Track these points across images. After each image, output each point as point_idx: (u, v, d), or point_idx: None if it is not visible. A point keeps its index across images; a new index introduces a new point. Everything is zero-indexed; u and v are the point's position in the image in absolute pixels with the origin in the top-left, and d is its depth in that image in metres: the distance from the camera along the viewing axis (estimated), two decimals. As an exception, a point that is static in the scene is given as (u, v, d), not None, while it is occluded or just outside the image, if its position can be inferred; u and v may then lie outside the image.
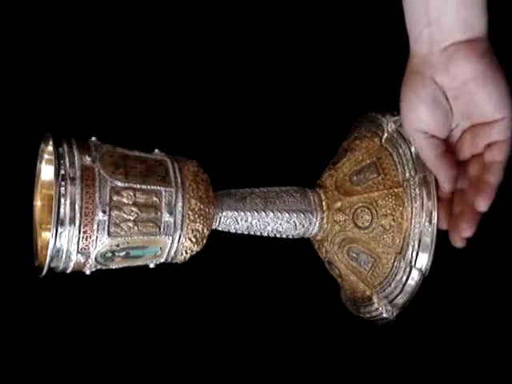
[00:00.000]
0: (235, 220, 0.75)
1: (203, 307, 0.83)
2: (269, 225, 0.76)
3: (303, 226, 0.77)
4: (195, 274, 0.81)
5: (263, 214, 0.75)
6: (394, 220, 0.73)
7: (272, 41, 0.87)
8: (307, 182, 0.80)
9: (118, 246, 0.68)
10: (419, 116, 0.65)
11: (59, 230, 0.66)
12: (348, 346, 0.82)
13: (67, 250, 0.67)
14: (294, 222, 0.76)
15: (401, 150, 0.74)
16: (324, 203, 0.77)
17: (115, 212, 0.67)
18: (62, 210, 0.66)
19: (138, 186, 0.68)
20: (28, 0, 0.85)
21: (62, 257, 0.67)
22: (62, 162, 0.67)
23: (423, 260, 0.72)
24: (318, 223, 0.77)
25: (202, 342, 0.81)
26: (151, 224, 0.69)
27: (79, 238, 0.66)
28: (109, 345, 0.80)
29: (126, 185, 0.68)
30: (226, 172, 0.81)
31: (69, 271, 0.69)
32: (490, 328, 0.82)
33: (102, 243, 0.67)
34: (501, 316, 0.83)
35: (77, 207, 0.66)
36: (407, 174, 0.73)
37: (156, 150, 0.73)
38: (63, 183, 0.66)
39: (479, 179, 0.64)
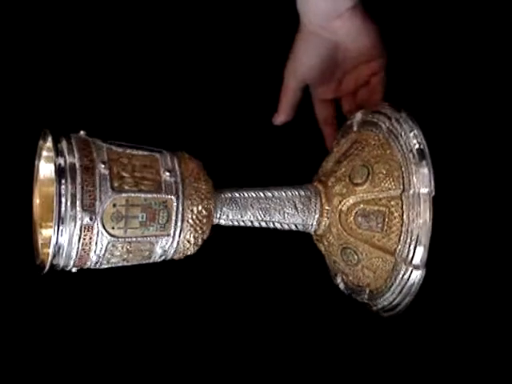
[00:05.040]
0: (231, 226, 0.76)
1: (202, 299, 0.85)
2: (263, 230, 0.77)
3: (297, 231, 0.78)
4: (194, 268, 0.82)
5: (258, 225, 0.76)
6: (374, 276, 0.76)
7: (272, 40, 0.86)
8: (307, 179, 0.79)
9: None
10: (309, 66, 0.81)
11: (60, 227, 0.67)
12: (347, 337, 0.86)
13: (68, 248, 0.68)
14: (288, 229, 0.78)
15: (414, 224, 0.72)
16: (323, 222, 0.77)
17: (107, 255, 0.69)
18: (62, 207, 0.67)
19: (135, 239, 0.68)
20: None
21: (63, 254, 0.68)
22: (61, 157, 0.67)
23: (391, 313, 0.77)
24: (312, 231, 0.78)
25: (201, 337, 0.84)
26: (144, 256, 0.71)
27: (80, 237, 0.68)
28: (110, 340, 0.83)
29: (122, 239, 0.68)
30: (227, 166, 0.81)
31: (69, 268, 0.71)
32: (488, 329, 0.86)
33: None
34: (498, 318, 0.86)
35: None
36: (405, 254, 0.73)
37: (166, 174, 0.70)
38: (63, 181, 0.67)
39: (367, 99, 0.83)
